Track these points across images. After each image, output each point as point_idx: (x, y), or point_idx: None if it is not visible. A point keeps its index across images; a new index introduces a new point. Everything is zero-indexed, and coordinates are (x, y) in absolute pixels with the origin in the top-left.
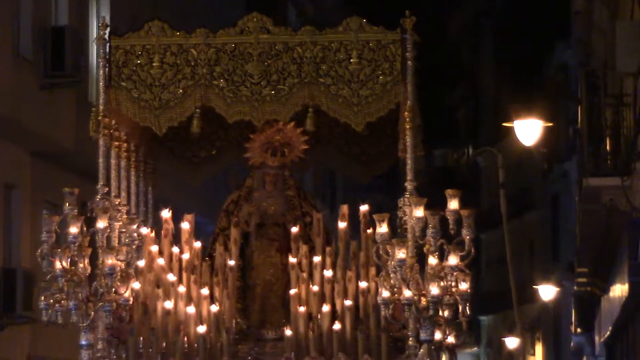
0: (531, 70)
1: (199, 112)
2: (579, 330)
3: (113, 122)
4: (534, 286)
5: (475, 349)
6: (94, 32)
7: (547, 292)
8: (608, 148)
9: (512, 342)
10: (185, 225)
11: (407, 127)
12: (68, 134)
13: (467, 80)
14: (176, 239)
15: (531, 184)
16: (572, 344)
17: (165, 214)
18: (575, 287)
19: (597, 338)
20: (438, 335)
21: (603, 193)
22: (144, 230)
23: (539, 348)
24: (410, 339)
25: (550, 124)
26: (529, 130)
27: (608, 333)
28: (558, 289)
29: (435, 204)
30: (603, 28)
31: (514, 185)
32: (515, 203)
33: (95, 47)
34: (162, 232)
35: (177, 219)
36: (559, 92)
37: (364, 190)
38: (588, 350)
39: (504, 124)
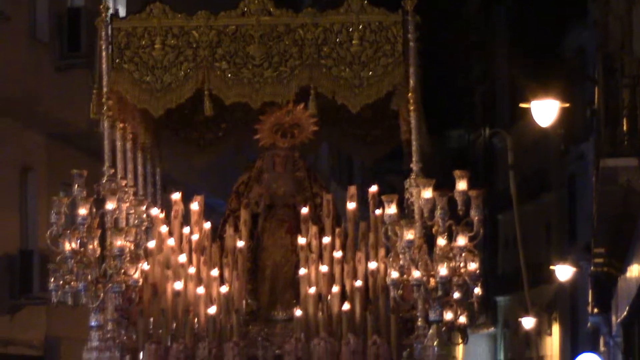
0: (547, 52)
1: (208, 95)
2: (595, 310)
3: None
4: (551, 267)
5: (492, 329)
6: (111, 11)
7: (564, 272)
8: (625, 129)
9: (528, 323)
10: (194, 207)
11: (411, 108)
12: (84, 116)
13: (483, 61)
14: (186, 220)
15: (548, 165)
16: (588, 324)
17: (175, 195)
18: (592, 268)
19: (613, 318)
20: (449, 316)
21: (620, 174)
22: (154, 212)
23: (555, 328)
24: (419, 319)
25: (567, 105)
26: (545, 111)
27: (625, 313)
28: (575, 269)
29: (451, 186)
30: (620, 10)
31: (530, 166)
32: (532, 184)
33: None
34: (172, 213)
35: (187, 200)
36: (575, 74)
37: (380, 172)
38: (605, 331)
39: (521, 105)
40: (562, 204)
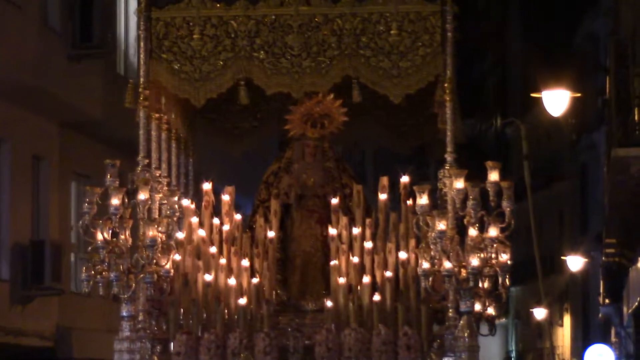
0: (559, 40)
1: (244, 84)
2: (607, 301)
3: (152, 94)
4: (562, 257)
5: (503, 319)
6: (122, 2)
7: (575, 262)
8: (636, 118)
9: (540, 313)
10: (225, 197)
11: (447, 98)
12: (96, 105)
13: (495, 50)
14: (217, 210)
15: (559, 154)
16: (600, 314)
17: (206, 185)
18: (603, 258)
19: (625, 309)
20: (477, 307)
21: (631, 163)
22: (185, 202)
23: (567, 319)
24: (450, 310)
25: (579, 95)
26: (557, 100)
27: (636, 304)
28: (586, 259)
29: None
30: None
31: (542, 156)
32: (544, 174)
33: (123, 18)
34: (203, 203)
35: (218, 191)
36: (587, 62)
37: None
38: (616, 321)
39: (532, 95)
40: (574, 194)
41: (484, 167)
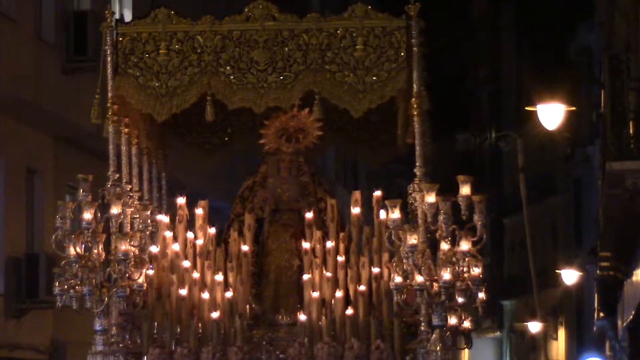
0: (553, 54)
1: (211, 100)
2: (601, 314)
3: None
4: (557, 270)
5: (497, 333)
6: (116, 16)
7: (569, 276)
8: (631, 132)
9: (534, 327)
10: (199, 211)
11: (415, 113)
12: (90, 118)
13: (489, 63)
14: (191, 224)
15: (554, 168)
16: (594, 328)
17: (180, 200)
18: (598, 272)
19: (619, 322)
20: (454, 321)
21: (626, 177)
22: (160, 217)
23: (561, 332)
24: (423, 324)
25: (573, 108)
26: (551, 114)
27: (631, 317)
28: (581, 273)
29: (458, 190)
30: (626, 11)
31: (536, 170)
32: (538, 187)
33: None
34: (177, 217)
35: (193, 204)
36: (581, 76)
37: (386, 176)
38: (611, 335)
39: (527, 108)
40: (568, 208)
41: (478, 181)
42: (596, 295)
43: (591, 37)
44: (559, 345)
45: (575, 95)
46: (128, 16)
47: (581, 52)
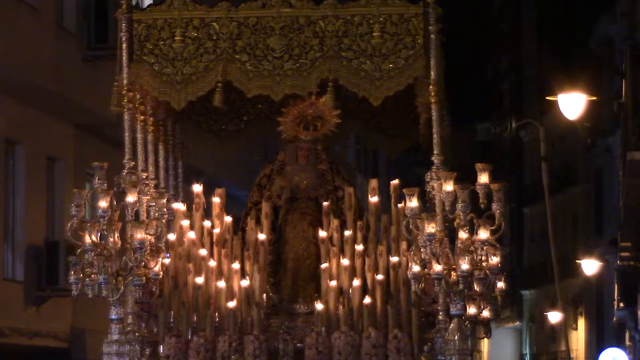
0: (575, 44)
1: (221, 87)
2: (621, 304)
3: (138, 96)
4: (577, 261)
5: (517, 323)
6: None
7: (590, 266)
8: None
9: (554, 317)
10: (216, 199)
11: (432, 100)
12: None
13: (510, 53)
14: (207, 212)
15: (575, 158)
16: (614, 318)
17: (197, 187)
18: (618, 262)
19: (639, 312)
20: (473, 310)
21: None
22: (176, 205)
23: (581, 323)
24: (441, 313)
25: (594, 98)
26: (572, 104)
27: None
28: (601, 263)
29: (476, 178)
30: None
31: (557, 160)
32: (559, 177)
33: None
34: (194, 205)
35: (210, 191)
36: (602, 66)
37: (407, 164)
38: (630, 325)
39: (548, 98)
40: (589, 198)
41: (497, 171)
42: (616, 286)
43: (613, 27)
44: (579, 335)
45: (597, 85)
46: (147, 3)
47: (602, 42)
